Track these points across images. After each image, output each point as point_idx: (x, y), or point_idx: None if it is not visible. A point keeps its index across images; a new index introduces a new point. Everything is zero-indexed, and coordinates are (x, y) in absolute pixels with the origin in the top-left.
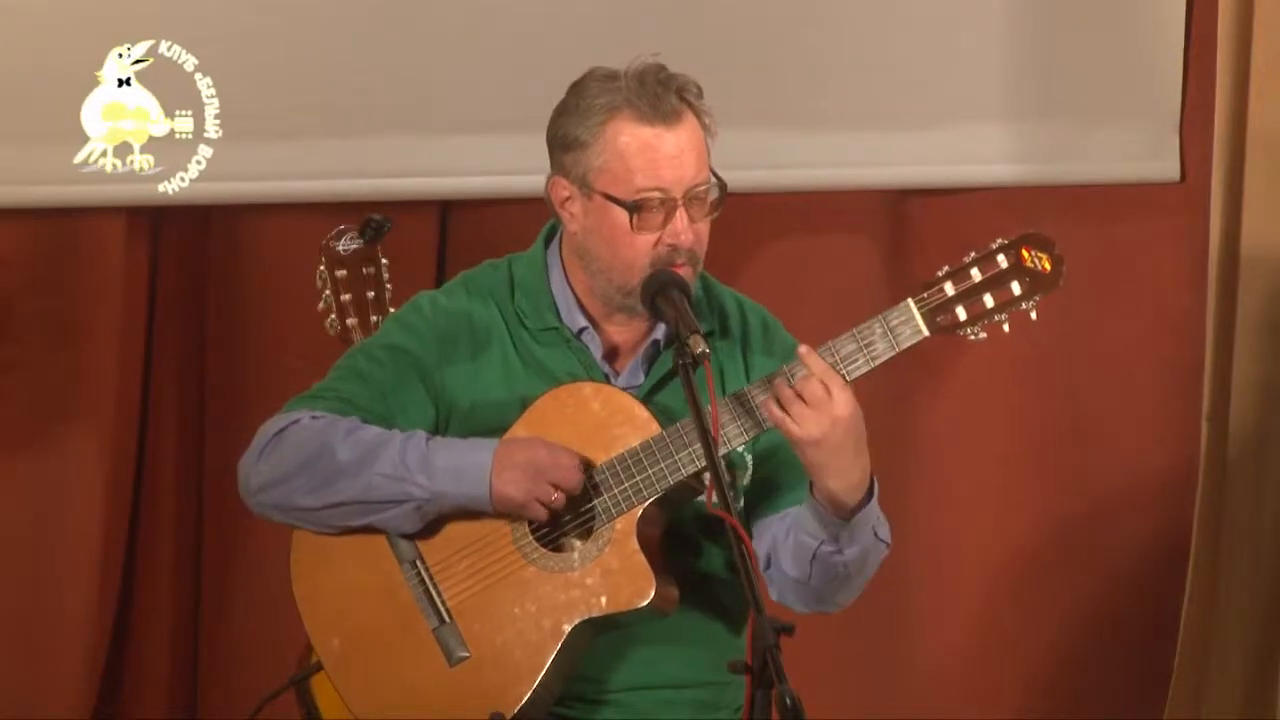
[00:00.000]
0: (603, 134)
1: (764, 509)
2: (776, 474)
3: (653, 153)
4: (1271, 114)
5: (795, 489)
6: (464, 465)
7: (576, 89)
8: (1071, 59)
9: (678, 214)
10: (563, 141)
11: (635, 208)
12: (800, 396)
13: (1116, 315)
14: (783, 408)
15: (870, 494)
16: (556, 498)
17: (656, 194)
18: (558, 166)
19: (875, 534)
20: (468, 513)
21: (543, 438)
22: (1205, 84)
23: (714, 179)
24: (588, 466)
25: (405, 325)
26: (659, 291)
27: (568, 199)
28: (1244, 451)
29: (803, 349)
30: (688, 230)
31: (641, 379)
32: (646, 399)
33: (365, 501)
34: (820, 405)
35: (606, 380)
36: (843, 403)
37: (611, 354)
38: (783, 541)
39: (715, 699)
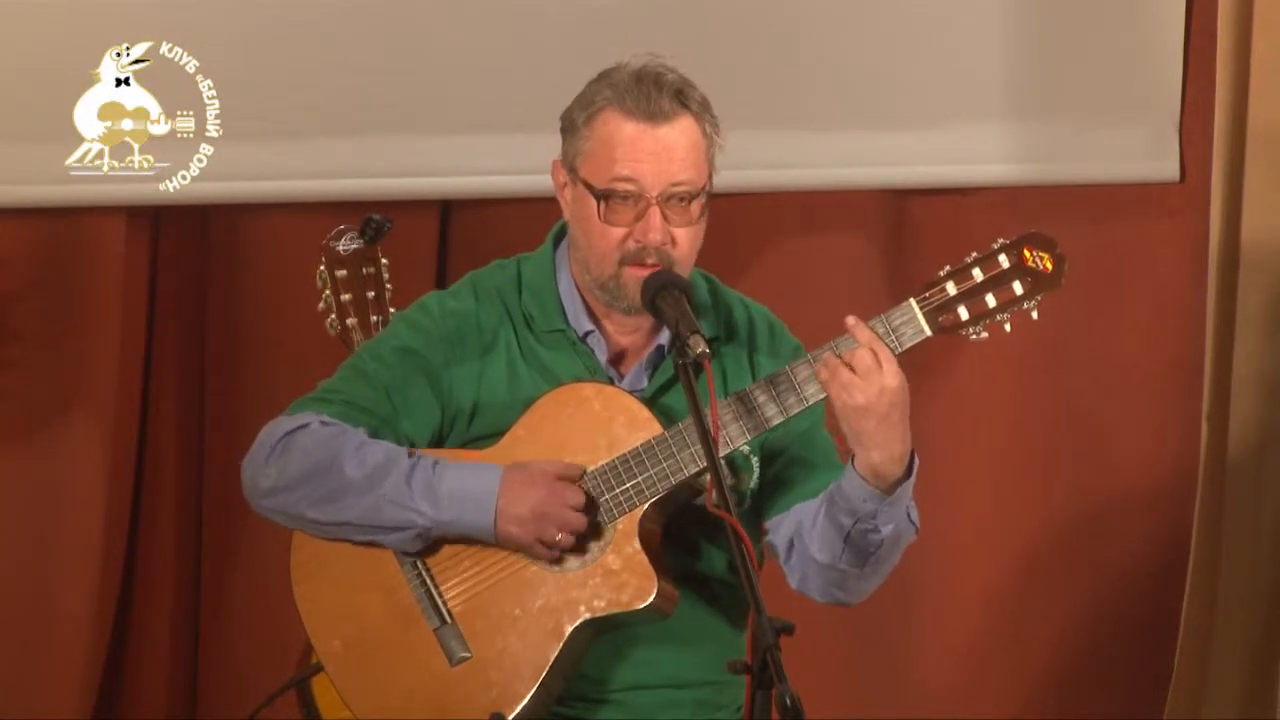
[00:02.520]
0: (592, 122)
1: (779, 505)
2: (787, 470)
3: (631, 146)
4: (1271, 114)
5: (809, 483)
6: (468, 497)
7: (595, 78)
8: (1071, 59)
9: (650, 212)
10: (564, 125)
11: (605, 196)
12: (849, 365)
13: (1116, 315)
14: (832, 376)
15: (910, 469)
16: (561, 538)
17: (628, 186)
18: (561, 150)
19: (908, 515)
20: None
21: (547, 466)
22: (1205, 84)
23: (704, 187)
24: (589, 468)
25: (413, 326)
26: (659, 291)
27: (563, 185)
28: (1244, 451)
29: (851, 319)
30: (657, 229)
31: (645, 383)
32: (650, 403)
33: (368, 524)
34: (869, 374)
35: (610, 383)
36: (891, 373)
37: (617, 358)
38: (810, 526)
39: (716, 698)
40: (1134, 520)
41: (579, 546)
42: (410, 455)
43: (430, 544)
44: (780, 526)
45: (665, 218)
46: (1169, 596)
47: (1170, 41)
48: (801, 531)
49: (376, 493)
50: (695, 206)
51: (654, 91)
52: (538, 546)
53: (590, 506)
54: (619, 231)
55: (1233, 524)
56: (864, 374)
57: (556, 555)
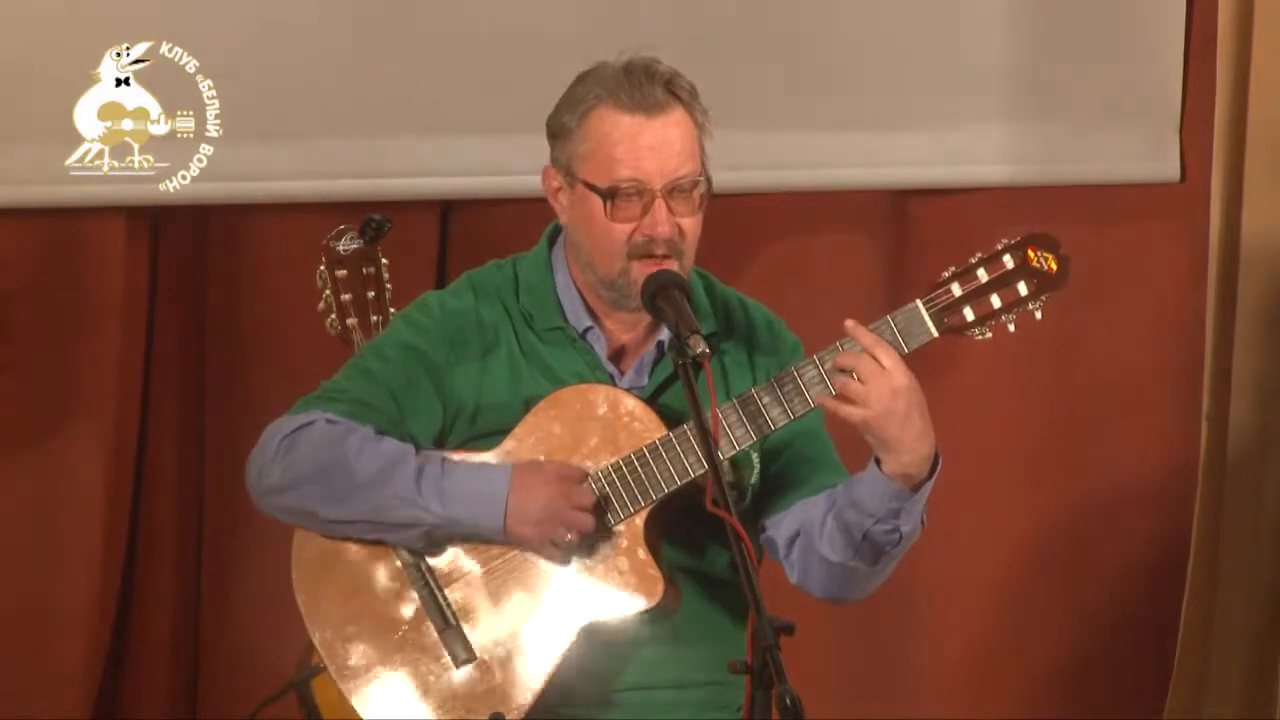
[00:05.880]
0: (586, 122)
1: (781, 502)
2: (791, 468)
3: (631, 141)
4: (1271, 114)
5: (812, 480)
6: (479, 496)
7: (575, 80)
8: (1071, 59)
9: (656, 205)
10: (554, 130)
11: (610, 194)
12: (856, 376)
13: (1116, 315)
14: (840, 395)
15: (935, 465)
16: (570, 539)
17: (633, 183)
18: (551, 156)
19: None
20: None
21: (557, 464)
22: (1205, 84)
23: (703, 175)
24: (594, 469)
25: (414, 325)
26: (659, 291)
27: (558, 189)
28: (1244, 451)
29: (850, 323)
30: (665, 221)
31: (646, 380)
32: (650, 400)
33: (376, 521)
34: (876, 379)
35: (611, 380)
36: (899, 372)
37: (617, 354)
38: (819, 525)
39: (718, 699)
40: (1134, 520)
41: (584, 548)
42: (418, 453)
43: (436, 544)
44: (782, 523)
45: (670, 209)
46: (1169, 596)
47: (1170, 42)
48: (809, 529)
49: (385, 490)
50: (697, 194)
51: (646, 83)
52: (548, 548)
53: (597, 508)
54: (626, 227)
55: (1233, 524)
56: (871, 380)
57: (565, 557)
